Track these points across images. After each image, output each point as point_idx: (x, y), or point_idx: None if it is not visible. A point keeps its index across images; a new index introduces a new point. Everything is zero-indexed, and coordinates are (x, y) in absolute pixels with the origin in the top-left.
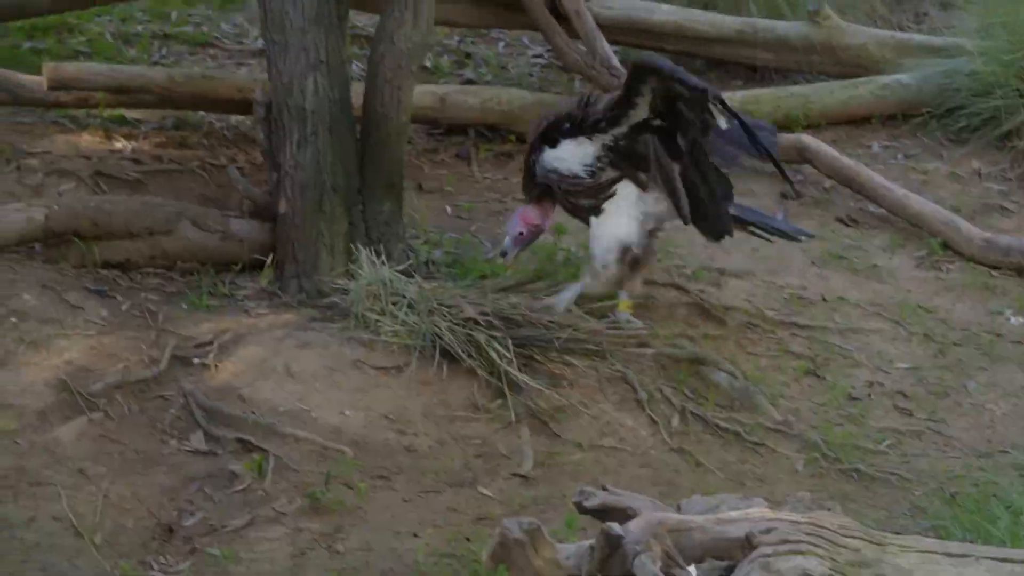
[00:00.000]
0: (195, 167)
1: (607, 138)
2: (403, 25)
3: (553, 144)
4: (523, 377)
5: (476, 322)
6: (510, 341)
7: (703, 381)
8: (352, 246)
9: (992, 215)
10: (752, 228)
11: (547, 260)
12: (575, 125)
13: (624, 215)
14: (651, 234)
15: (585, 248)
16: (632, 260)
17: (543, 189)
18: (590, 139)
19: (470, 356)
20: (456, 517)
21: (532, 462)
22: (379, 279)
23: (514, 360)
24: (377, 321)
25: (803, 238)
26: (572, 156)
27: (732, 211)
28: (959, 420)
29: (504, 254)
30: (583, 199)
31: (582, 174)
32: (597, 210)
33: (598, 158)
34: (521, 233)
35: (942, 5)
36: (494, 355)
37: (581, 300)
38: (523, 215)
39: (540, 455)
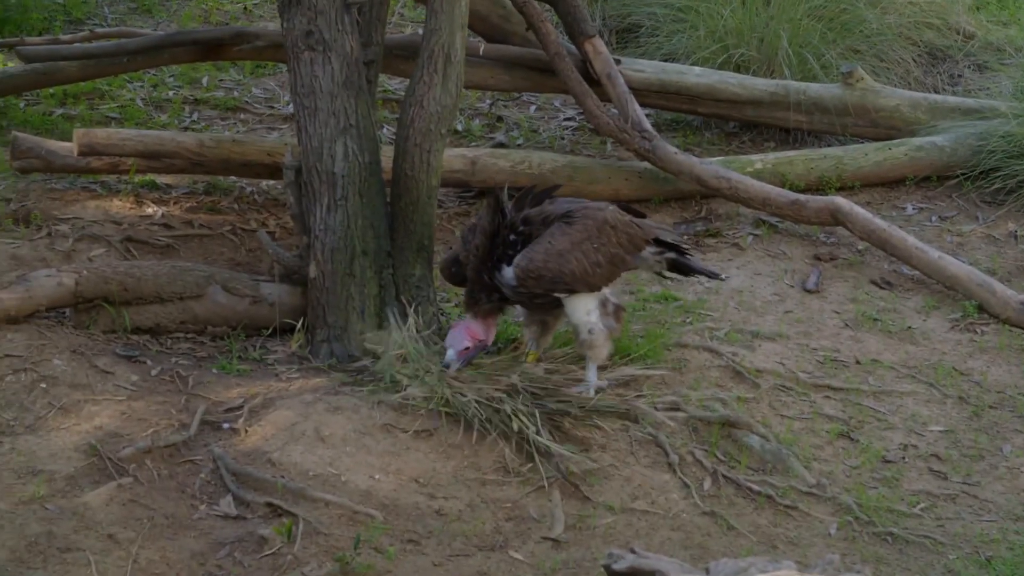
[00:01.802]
0: (225, 231)
1: None
2: (432, 88)
3: (510, 261)
4: (553, 444)
5: (506, 393)
6: (538, 412)
7: (735, 444)
8: (382, 310)
9: None
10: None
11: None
12: (524, 238)
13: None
14: None
15: None
16: (615, 309)
17: (493, 305)
18: None
19: (493, 424)
20: None
21: (563, 525)
22: (409, 347)
23: (542, 427)
24: (407, 386)
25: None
26: None
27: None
28: (994, 483)
29: (447, 367)
30: (550, 298)
31: None
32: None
33: None
34: (467, 348)
35: (977, 67)
36: (521, 425)
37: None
38: (468, 329)
39: (571, 518)
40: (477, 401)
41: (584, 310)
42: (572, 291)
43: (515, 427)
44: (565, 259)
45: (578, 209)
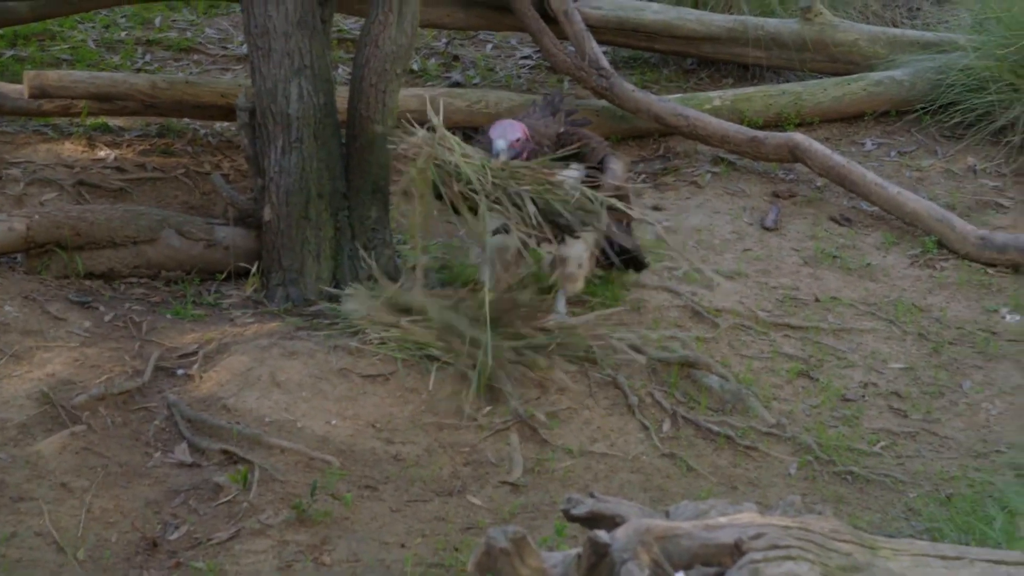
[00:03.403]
0: (179, 174)
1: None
2: (387, 28)
3: (565, 162)
4: (512, 386)
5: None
6: (500, 348)
7: (695, 384)
8: (338, 253)
9: (987, 212)
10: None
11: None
12: (588, 151)
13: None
14: None
15: None
16: (594, 254)
17: None
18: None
19: (452, 365)
20: (444, 527)
21: (521, 469)
22: (371, 306)
23: (501, 369)
24: (364, 331)
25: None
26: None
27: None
28: (954, 420)
29: (497, 155)
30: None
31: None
32: (573, 232)
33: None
34: (518, 139)
35: (935, 0)
36: (480, 364)
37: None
38: (521, 126)
39: (530, 462)
40: (438, 333)
41: (585, 245)
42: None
43: (475, 367)
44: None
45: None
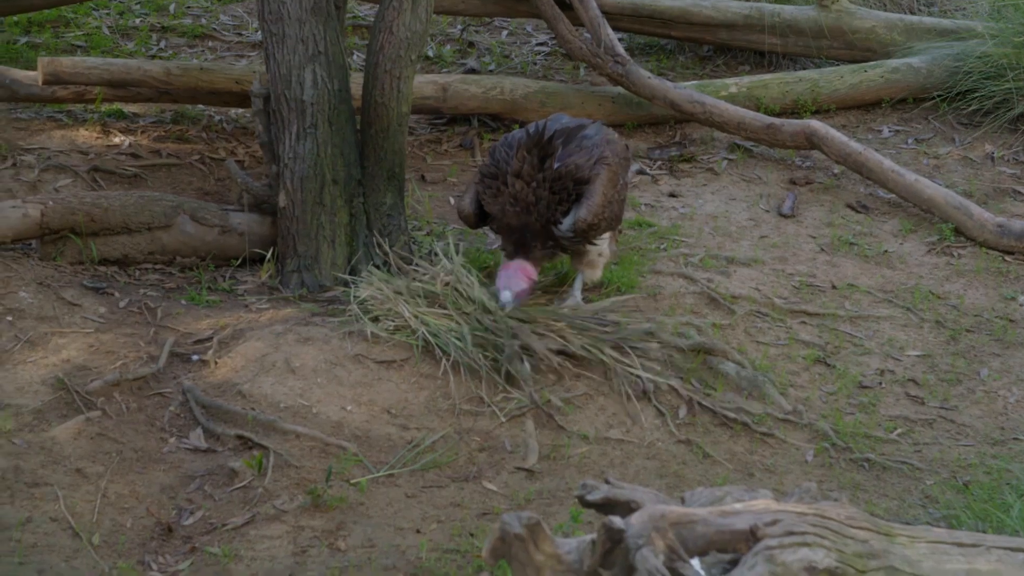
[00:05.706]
0: (194, 161)
1: None
2: (402, 14)
3: (565, 213)
4: (527, 372)
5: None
6: (516, 343)
7: (711, 371)
8: (353, 239)
9: (1005, 199)
10: None
11: None
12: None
13: None
14: None
15: None
16: (615, 239)
17: (547, 251)
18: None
19: (466, 353)
20: (460, 512)
21: (537, 455)
22: (386, 293)
23: (517, 356)
24: (377, 320)
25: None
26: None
27: None
28: (972, 408)
29: (504, 307)
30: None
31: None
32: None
33: None
34: (523, 289)
35: None
36: (495, 355)
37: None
38: (524, 269)
39: (545, 448)
40: (453, 331)
41: (606, 241)
42: (612, 230)
43: (491, 356)
44: (611, 205)
45: (602, 142)
